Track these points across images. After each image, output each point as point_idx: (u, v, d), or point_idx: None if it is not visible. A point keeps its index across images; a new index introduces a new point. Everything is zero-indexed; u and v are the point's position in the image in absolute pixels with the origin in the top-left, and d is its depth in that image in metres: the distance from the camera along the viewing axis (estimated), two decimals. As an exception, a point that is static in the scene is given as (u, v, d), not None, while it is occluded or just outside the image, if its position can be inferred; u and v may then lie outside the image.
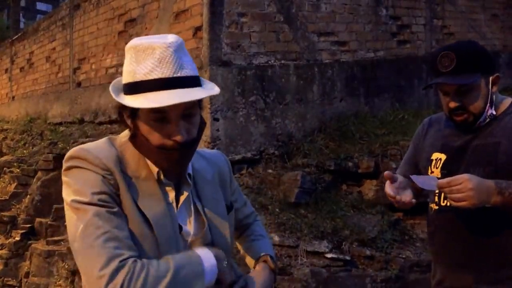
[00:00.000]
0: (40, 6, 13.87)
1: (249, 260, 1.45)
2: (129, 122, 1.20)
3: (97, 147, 1.20)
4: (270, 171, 4.60)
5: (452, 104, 1.70)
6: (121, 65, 5.41)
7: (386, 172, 1.72)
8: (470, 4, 6.71)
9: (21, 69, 9.41)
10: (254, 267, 1.41)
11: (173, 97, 1.10)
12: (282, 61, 4.98)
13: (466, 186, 1.51)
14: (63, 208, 1.22)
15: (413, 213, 4.20)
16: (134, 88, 1.14)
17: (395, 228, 4.10)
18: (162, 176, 1.21)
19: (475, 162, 1.69)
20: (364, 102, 5.49)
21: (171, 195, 1.23)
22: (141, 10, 5.73)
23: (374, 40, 5.71)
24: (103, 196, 1.12)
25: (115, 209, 1.12)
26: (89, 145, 1.21)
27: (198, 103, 1.21)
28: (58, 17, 7.97)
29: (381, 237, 3.95)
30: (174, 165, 1.19)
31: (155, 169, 1.21)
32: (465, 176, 1.54)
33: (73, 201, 1.13)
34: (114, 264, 1.06)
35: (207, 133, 4.52)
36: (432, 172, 1.80)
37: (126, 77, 1.17)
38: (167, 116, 1.14)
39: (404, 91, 5.83)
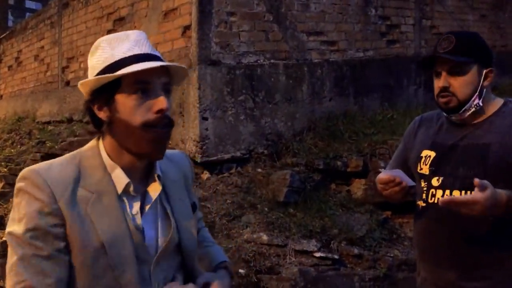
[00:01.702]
0: (29, 4, 13.74)
1: (206, 266, 1.42)
2: (102, 113, 1.17)
3: (52, 167, 1.16)
4: (259, 170, 4.60)
5: (441, 83, 1.72)
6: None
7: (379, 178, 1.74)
8: (458, 5, 6.75)
9: (9, 67, 9.33)
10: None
11: (156, 64, 1.12)
12: (272, 61, 4.98)
13: (479, 209, 1.51)
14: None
15: (401, 212, 4.23)
16: (114, 67, 1.14)
17: (384, 227, 4.12)
18: (131, 188, 1.19)
19: (464, 161, 1.70)
20: (353, 102, 5.51)
21: (136, 206, 1.20)
22: (130, 9, 5.71)
23: (363, 40, 5.73)
24: (36, 233, 1.09)
25: (44, 251, 1.09)
26: (43, 165, 1.17)
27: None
28: (47, 15, 7.90)
29: (370, 236, 3.96)
30: (157, 145, 1.16)
31: (123, 181, 1.18)
32: (481, 198, 1.50)
33: (9, 233, 1.12)
34: None
35: (196, 132, 4.51)
36: (421, 169, 1.80)
37: (103, 64, 1.16)
38: (150, 88, 1.14)
39: (393, 91, 5.85)
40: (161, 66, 1.15)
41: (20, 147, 6.87)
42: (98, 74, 1.16)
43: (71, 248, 1.12)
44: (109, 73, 1.14)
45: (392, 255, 3.82)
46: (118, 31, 6.07)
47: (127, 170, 1.19)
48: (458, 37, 1.71)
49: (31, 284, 1.07)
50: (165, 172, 1.29)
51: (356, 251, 3.79)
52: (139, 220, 1.19)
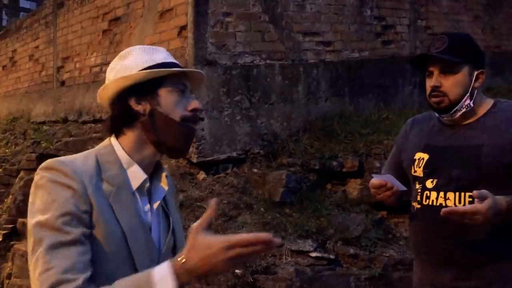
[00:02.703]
0: (23, 3, 13.67)
1: None
2: (140, 106, 1.22)
3: (74, 160, 1.19)
4: (255, 170, 4.61)
5: (433, 83, 1.74)
6: (106, 64, 5.34)
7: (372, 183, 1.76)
8: (453, 6, 6.79)
9: (4, 67, 9.28)
10: None
11: (197, 70, 1.31)
12: (267, 61, 4.99)
13: (479, 219, 1.53)
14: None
15: (396, 212, 4.25)
16: (159, 67, 1.24)
17: (379, 226, 4.13)
18: (147, 185, 1.24)
19: (457, 163, 1.71)
20: (348, 102, 5.53)
21: (147, 203, 1.25)
22: (126, 9, 5.70)
23: (359, 40, 5.75)
24: (68, 218, 1.10)
25: (73, 237, 1.09)
26: (65, 158, 1.20)
27: None
28: (42, 15, 7.87)
29: (365, 235, 3.98)
30: (189, 141, 1.27)
31: (140, 178, 1.22)
32: (482, 208, 1.51)
33: (37, 223, 1.11)
34: None
35: (192, 132, 4.51)
36: (415, 171, 1.82)
37: (144, 64, 1.24)
38: (185, 90, 1.27)
39: (388, 91, 5.88)
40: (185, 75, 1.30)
41: (14, 147, 6.84)
42: (143, 70, 1.24)
43: (96, 237, 1.13)
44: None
45: (387, 254, 3.84)
46: (113, 31, 6.09)
47: (141, 166, 1.24)
48: (451, 38, 1.73)
49: (61, 270, 1.06)
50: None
51: (351, 251, 3.80)
52: (149, 218, 1.24)
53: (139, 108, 1.22)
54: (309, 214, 4.13)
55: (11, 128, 7.76)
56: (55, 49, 7.30)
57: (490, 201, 1.53)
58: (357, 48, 5.73)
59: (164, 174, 1.30)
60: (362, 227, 4.04)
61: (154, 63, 1.24)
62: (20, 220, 5.29)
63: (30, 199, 1.15)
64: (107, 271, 1.13)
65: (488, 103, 1.78)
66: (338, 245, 3.85)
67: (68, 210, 1.11)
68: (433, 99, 1.74)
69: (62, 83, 7.11)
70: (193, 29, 4.58)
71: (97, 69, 6.25)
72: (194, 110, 1.25)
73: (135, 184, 1.22)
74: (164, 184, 1.29)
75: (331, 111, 5.32)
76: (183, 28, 4.72)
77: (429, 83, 1.76)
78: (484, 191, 1.55)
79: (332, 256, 3.72)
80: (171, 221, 1.30)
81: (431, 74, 1.76)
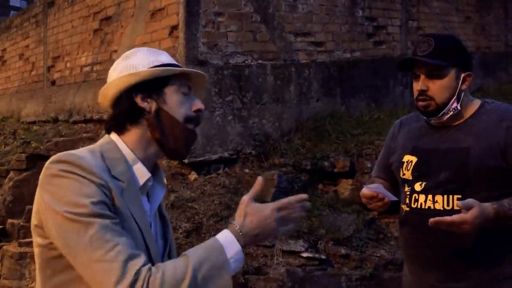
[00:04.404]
0: (14, 2, 13.58)
1: None
2: (146, 103, 1.23)
3: (84, 155, 1.15)
4: (247, 170, 4.60)
5: (419, 87, 1.73)
6: (97, 63, 5.30)
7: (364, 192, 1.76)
8: (444, 6, 6.83)
9: (-7, 66, 9.20)
10: None
11: (201, 72, 1.32)
12: (259, 61, 4.98)
13: (467, 228, 1.54)
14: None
15: (387, 212, 4.25)
16: (166, 66, 1.26)
17: (370, 227, 4.14)
18: (150, 183, 1.24)
19: (446, 166, 1.71)
20: (340, 102, 5.54)
21: (146, 202, 1.25)
22: (117, 8, 5.67)
23: (350, 41, 5.76)
24: (103, 206, 1.09)
25: (117, 220, 1.09)
26: (75, 152, 1.16)
27: None
28: (32, 14, 7.81)
29: (356, 236, 3.99)
30: (190, 143, 1.28)
31: (144, 176, 1.22)
32: (470, 218, 1.52)
33: (70, 212, 1.07)
34: (130, 276, 1.02)
35: (183, 132, 4.49)
36: (404, 174, 1.82)
37: (150, 64, 1.26)
38: (189, 92, 1.29)
39: (379, 92, 5.89)
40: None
41: (4, 147, 6.78)
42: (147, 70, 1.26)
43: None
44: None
45: (378, 255, 3.85)
46: (104, 31, 6.05)
47: (148, 163, 1.25)
48: (437, 41, 1.71)
49: (124, 245, 1.05)
50: None
51: (343, 251, 3.81)
52: (149, 218, 1.24)
53: (145, 105, 1.22)
54: (300, 215, 4.12)
55: (1, 128, 7.69)
56: (45, 49, 7.24)
57: (477, 210, 1.53)
58: (349, 48, 5.74)
59: (163, 175, 1.31)
60: (353, 227, 4.05)
61: (160, 63, 1.26)
62: (9, 221, 5.25)
63: (47, 190, 1.10)
64: None
65: (475, 104, 1.78)
66: (329, 245, 3.86)
67: (100, 199, 1.09)
68: (420, 103, 1.74)
69: (53, 82, 7.06)
70: (184, 29, 4.56)
71: (88, 68, 6.21)
72: (198, 110, 1.27)
73: (140, 182, 1.22)
74: (163, 185, 1.30)
75: (322, 111, 5.33)
76: (174, 28, 4.70)
77: (416, 86, 1.75)
78: (469, 201, 1.55)
79: (323, 257, 3.73)
80: (167, 222, 1.32)
81: (417, 77, 1.75)
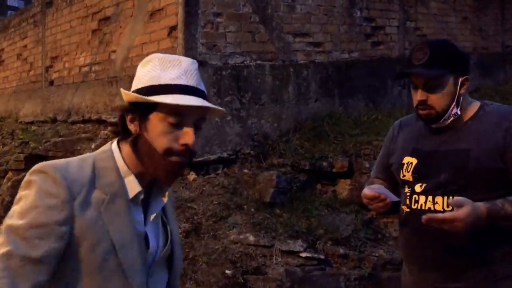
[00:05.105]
0: (11, 1, 13.55)
1: None
2: (132, 125, 1.19)
3: (69, 164, 1.17)
4: (245, 171, 4.61)
5: (419, 97, 1.73)
6: (95, 63, 5.29)
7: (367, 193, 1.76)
8: (442, 7, 6.85)
9: (-9, 66, 9.18)
10: None
11: (198, 101, 1.15)
12: (258, 62, 4.99)
13: (460, 225, 1.56)
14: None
15: (386, 212, 4.27)
16: (158, 90, 1.15)
17: (369, 227, 4.16)
18: (141, 197, 1.21)
19: (445, 167, 1.72)
20: (338, 103, 5.55)
21: (140, 213, 1.22)
22: (116, 9, 5.67)
23: (349, 41, 5.78)
24: (39, 231, 1.09)
25: (37, 254, 1.08)
26: (61, 162, 1.18)
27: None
28: (30, 14, 7.80)
29: (355, 236, 4.00)
30: (172, 174, 1.19)
31: (135, 189, 1.20)
32: (461, 215, 1.55)
33: (9, 226, 1.10)
34: None
35: (182, 133, 4.49)
36: (404, 175, 1.83)
37: (148, 82, 1.17)
38: (183, 121, 1.16)
39: (377, 92, 5.91)
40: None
41: (2, 148, 6.77)
42: (142, 89, 1.18)
43: (78, 250, 1.12)
44: (152, 94, 1.15)
45: (377, 254, 3.87)
46: (103, 31, 6.05)
47: (138, 178, 1.21)
48: (432, 48, 1.69)
49: (5, 284, 1.06)
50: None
51: (341, 251, 3.82)
52: (142, 228, 1.21)
53: (131, 127, 1.19)
54: (299, 215, 4.14)
55: (-1, 128, 7.67)
56: (43, 49, 7.23)
57: (469, 208, 1.55)
58: (347, 49, 5.75)
59: (167, 190, 1.26)
60: (351, 227, 4.06)
61: (157, 83, 1.16)
62: (8, 221, 5.25)
63: (16, 197, 1.15)
64: (94, 283, 1.12)
65: (474, 106, 1.79)
66: (328, 245, 3.87)
67: (44, 221, 1.09)
68: (421, 112, 1.75)
69: (51, 82, 7.05)
70: (183, 29, 4.57)
71: (86, 69, 6.21)
72: (185, 144, 1.16)
73: (130, 194, 1.20)
74: (164, 197, 1.26)
75: (321, 111, 5.35)
76: (173, 28, 4.71)
77: (415, 95, 1.75)
78: (460, 199, 1.57)
79: (322, 256, 3.74)
80: (169, 232, 1.28)
81: (416, 87, 1.75)
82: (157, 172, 1.18)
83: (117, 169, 1.20)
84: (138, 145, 1.18)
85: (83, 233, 1.12)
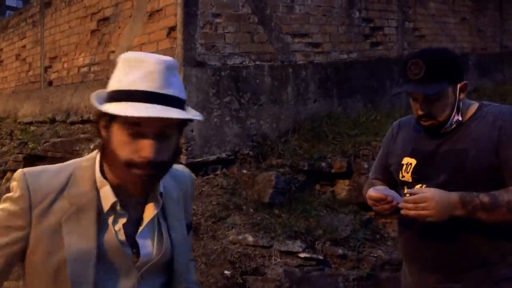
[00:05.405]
0: (10, 2, 13.55)
1: None
2: (104, 132, 1.14)
3: (43, 173, 1.18)
4: (244, 171, 4.61)
5: (420, 112, 1.75)
6: (94, 64, 5.30)
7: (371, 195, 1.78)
8: (440, 8, 6.86)
9: (-10, 67, 9.17)
10: None
11: (150, 111, 1.05)
12: (257, 62, 5.00)
13: (430, 205, 1.60)
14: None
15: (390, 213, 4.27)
16: (116, 96, 1.09)
17: (367, 227, 4.17)
18: (118, 207, 1.16)
19: (444, 168, 1.73)
20: (337, 103, 5.56)
21: (121, 222, 1.17)
22: (114, 9, 5.67)
23: (347, 42, 5.78)
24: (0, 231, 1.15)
25: None
26: (36, 169, 1.19)
27: (178, 127, 1.15)
28: (29, 14, 7.80)
29: (354, 236, 4.01)
30: (137, 185, 1.12)
31: (110, 200, 1.16)
32: (429, 194, 1.62)
33: None
34: None
35: (181, 133, 4.50)
36: (403, 176, 1.84)
37: (112, 85, 1.12)
38: (141, 131, 1.08)
39: (376, 92, 5.92)
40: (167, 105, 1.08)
41: (1, 148, 6.77)
42: (108, 93, 1.13)
43: (36, 256, 1.14)
44: (113, 100, 1.10)
45: (375, 255, 3.87)
46: (102, 31, 6.04)
47: (116, 187, 1.17)
48: (426, 61, 1.68)
49: None
50: (166, 188, 1.26)
51: (340, 251, 3.83)
52: (122, 236, 1.17)
53: (103, 133, 1.15)
54: (298, 215, 4.14)
55: (-2, 128, 7.67)
56: (42, 49, 7.23)
57: (433, 190, 1.63)
58: (346, 49, 5.76)
59: (157, 194, 1.21)
60: (350, 227, 4.07)
61: (119, 88, 1.09)
62: (7, 221, 5.24)
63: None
64: None
65: (473, 107, 1.80)
66: (327, 245, 3.88)
67: (5, 224, 1.15)
68: (424, 123, 1.77)
69: (50, 83, 7.05)
70: (182, 30, 4.57)
71: (85, 69, 6.21)
72: (145, 158, 1.08)
73: (106, 205, 1.15)
74: (155, 203, 1.21)
75: (319, 112, 5.35)
76: (172, 29, 4.71)
77: (416, 109, 1.76)
78: (416, 189, 1.68)
79: (320, 257, 3.74)
80: (164, 238, 1.23)
81: (415, 99, 1.76)
82: (125, 182, 1.13)
83: (93, 179, 1.17)
84: (106, 152, 1.14)
85: (39, 241, 1.14)
